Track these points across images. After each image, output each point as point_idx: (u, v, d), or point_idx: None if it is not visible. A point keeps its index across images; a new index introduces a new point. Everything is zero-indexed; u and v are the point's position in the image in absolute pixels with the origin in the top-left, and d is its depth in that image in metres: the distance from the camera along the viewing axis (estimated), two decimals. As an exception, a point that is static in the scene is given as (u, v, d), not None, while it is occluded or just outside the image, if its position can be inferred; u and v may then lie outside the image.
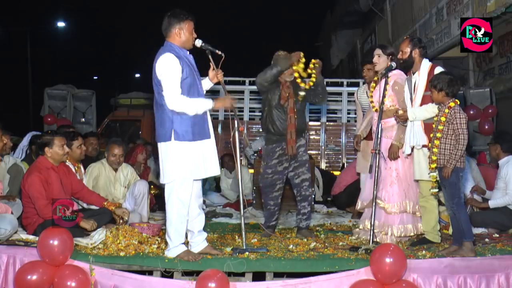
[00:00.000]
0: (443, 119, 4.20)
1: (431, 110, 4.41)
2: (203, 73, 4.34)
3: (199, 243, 4.24)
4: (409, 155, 4.71)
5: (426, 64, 4.65)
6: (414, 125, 4.56)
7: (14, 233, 4.44)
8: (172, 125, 3.99)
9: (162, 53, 4.01)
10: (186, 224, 4.13)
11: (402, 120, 4.66)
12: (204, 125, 4.12)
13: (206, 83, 4.37)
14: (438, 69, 4.55)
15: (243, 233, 4.29)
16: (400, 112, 4.60)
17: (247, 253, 4.14)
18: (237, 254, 4.13)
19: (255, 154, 8.22)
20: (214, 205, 7.47)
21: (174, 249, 4.08)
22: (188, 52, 4.18)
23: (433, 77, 4.38)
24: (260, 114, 10.17)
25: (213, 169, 4.19)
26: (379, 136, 4.60)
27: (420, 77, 4.60)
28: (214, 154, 4.20)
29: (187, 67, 4.04)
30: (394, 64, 4.85)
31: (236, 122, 4.26)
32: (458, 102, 4.29)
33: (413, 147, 4.61)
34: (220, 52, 4.24)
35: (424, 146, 4.51)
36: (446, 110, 4.21)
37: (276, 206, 5.30)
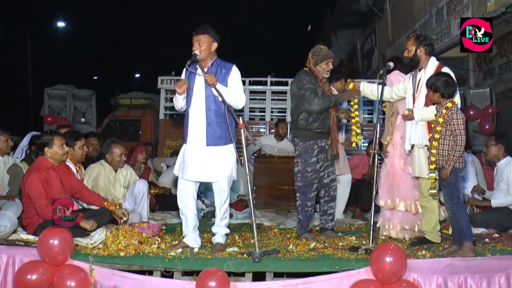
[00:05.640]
0: (440, 120, 4.19)
1: None
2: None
3: (216, 235, 4.50)
4: (410, 151, 4.73)
5: (433, 63, 4.65)
6: (418, 124, 4.55)
7: (13, 231, 4.45)
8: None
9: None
10: (185, 217, 4.48)
11: (408, 120, 4.67)
12: (185, 130, 4.47)
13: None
14: (445, 70, 4.54)
15: (255, 235, 4.14)
16: (406, 112, 4.60)
17: (264, 256, 4.05)
18: (256, 260, 3.96)
19: (255, 155, 8.22)
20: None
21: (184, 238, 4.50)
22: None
23: (429, 77, 4.38)
24: (261, 114, 10.32)
25: (193, 174, 4.41)
26: (377, 136, 4.60)
27: (426, 76, 4.58)
28: (198, 160, 4.37)
29: None
30: (391, 64, 4.86)
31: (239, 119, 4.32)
32: (456, 102, 4.28)
33: (413, 145, 4.63)
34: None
35: (426, 145, 4.51)
36: (444, 111, 4.20)
37: (313, 208, 5.12)
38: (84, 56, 30.15)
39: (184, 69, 4.48)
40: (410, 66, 4.80)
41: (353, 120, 5.33)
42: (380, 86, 4.76)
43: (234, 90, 4.42)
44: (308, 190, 5.03)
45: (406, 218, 5.07)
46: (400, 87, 4.94)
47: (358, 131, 5.34)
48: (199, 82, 4.38)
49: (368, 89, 5.21)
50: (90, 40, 31.28)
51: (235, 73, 4.47)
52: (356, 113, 5.35)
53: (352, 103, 5.36)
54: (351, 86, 5.26)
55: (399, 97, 4.98)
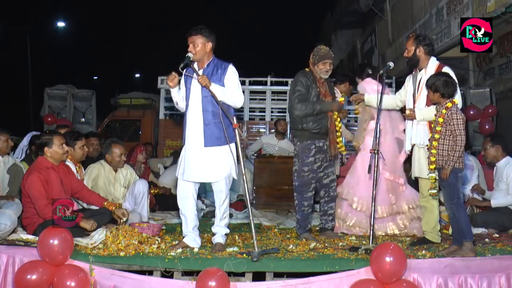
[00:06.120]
0: (440, 120, 4.19)
1: None
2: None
3: (216, 235, 4.49)
4: (410, 152, 4.74)
5: (433, 62, 4.65)
6: (419, 124, 4.55)
7: (13, 230, 4.46)
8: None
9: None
10: (185, 217, 4.47)
11: (409, 120, 4.67)
12: (184, 131, 4.48)
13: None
14: (446, 69, 4.54)
15: (254, 234, 4.16)
16: (408, 112, 4.61)
17: (263, 255, 4.08)
18: (254, 259, 3.97)
19: (255, 155, 8.23)
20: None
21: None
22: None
23: (429, 77, 4.38)
24: (261, 114, 10.31)
25: (191, 175, 4.41)
26: (378, 136, 4.60)
27: (426, 76, 4.57)
28: (197, 161, 4.37)
29: None
30: (392, 64, 4.86)
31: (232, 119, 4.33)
32: (456, 102, 4.28)
33: (414, 145, 4.63)
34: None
35: (427, 145, 4.51)
36: (444, 111, 4.20)
37: (310, 208, 5.12)
38: (84, 56, 30.13)
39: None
40: (409, 65, 4.82)
41: (337, 133, 5.32)
42: (381, 88, 4.75)
43: (231, 89, 4.41)
44: (304, 190, 5.04)
45: (351, 215, 5.29)
46: (401, 93, 4.94)
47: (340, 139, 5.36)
48: (196, 83, 4.37)
49: (372, 100, 5.20)
50: (90, 40, 31.28)
51: (231, 72, 4.46)
52: (340, 124, 5.37)
53: (335, 116, 5.24)
54: (341, 99, 5.36)
55: (403, 102, 4.97)
